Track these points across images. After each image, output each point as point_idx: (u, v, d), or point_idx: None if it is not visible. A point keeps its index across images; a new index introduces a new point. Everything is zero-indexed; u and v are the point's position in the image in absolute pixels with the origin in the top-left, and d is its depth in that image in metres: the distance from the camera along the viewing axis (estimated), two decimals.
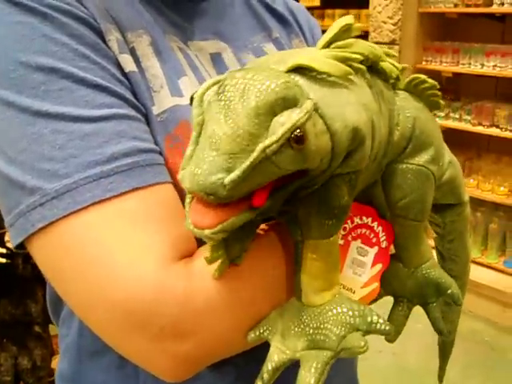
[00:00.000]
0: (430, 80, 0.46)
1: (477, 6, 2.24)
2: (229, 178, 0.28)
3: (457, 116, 2.43)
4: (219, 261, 0.37)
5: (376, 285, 0.44)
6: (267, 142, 0.29)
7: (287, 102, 0.30)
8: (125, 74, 0.45)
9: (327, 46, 0.37)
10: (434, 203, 0.50)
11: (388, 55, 0.43)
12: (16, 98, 0.39)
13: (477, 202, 2.42)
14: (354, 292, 0.43)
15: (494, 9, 2.19)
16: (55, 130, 0.39)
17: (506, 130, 2.26)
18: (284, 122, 0.30)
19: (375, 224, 0.44)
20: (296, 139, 0.29)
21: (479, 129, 2.33)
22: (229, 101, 0.30)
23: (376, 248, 0.44)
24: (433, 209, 0.50)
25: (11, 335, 1.50)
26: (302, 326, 0.35)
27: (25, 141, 0.39)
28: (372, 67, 0.41)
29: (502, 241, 2.40)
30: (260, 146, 0.29)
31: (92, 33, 0.43)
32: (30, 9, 0.41)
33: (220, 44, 0.55)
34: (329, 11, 3.04)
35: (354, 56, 0.36)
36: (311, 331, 0.35)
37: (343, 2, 2.94)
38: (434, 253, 0.58)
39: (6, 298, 1.49)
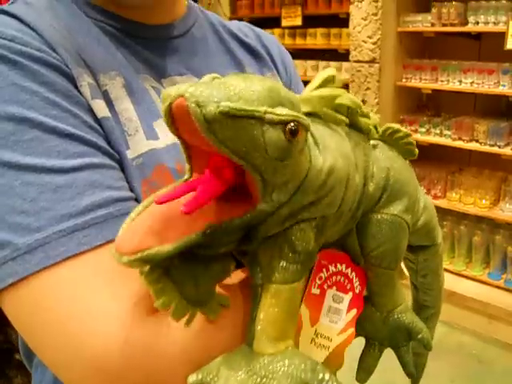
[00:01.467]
0: (403, 129, 0.48)
1: (452, 25, 2.29)
2: (225, 102, 0.28)
3: (437, 131, 2.47)
4: (176, 306, 0.33)
5: (352, 330, 0.45)
6: (271, 109, 0.30)
7: (293, 106, 0.32)
8: (97, 120, 0.44)
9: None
10: (409, 245, 0.52)
11: (367, 114, 0.45)
12: None
13: (460, 216, 2.46)
14: (331, 340, 0.44)
15: (469, 28, 2.25)
16: (26, 182, 0.38)
17: (486, 144, 2.30)
18: (288, 111, 0.31)
19: (349, 270, 0.45)
20: (291, 129, 0.30)
21: (459, 143, 2.37)
22: (247, 75, 0.32)
23: (350, 294, 0.45)
24: (407, 248, 0.52)
25: None
26: (249, 373, 0.33)
27: None
28: (350, 121, 0.43)
29: (485, 253, 2.43)
30: (263, 107, 0.30)
31: (63, 79, 0.43)
32: (0, 56, 0.41)
33: (194, 79, 0.56)
34: (311, 30, 3.08)
35: (342, 102, 0.39)
36: (258, 380, 0.33)
37: (324, 21, 2.99)
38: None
39: None
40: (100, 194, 0.40)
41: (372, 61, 2.38)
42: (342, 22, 2.77)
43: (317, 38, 3.09)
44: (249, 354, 0.34)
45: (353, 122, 0.43)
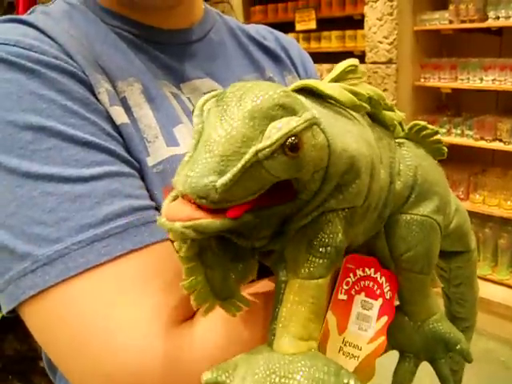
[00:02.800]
0: (430, 126, 0.45)
1: (472, 21, 2.24)
2: (220, 181, 0.27)
3: (459, 131, 2.41)
4: (200, 291, 0.33)
5: (383, 338, 0.41)
6: (260, 145, 0.28)
7: (285, 110, 0.30)
8: (116, 127, 0.44)
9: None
10: (441, 250, 0.48)
11: (391, 107, 0.42)
12: (4, 158, 0.38)
13: (484, 218, 2.39)
14: (360, 349, 0.40)
15: (490, 23, 2.20)
16: (45, 192, 0.37)
17: (510, 143, 2.24)
18: (281, 127, 0.29)
19: (378, 275, 0.42)
20: (291, 146, 0.28)
21: (482, 143, 2.31)
22: (226, 105, 0.30)
23: (380, 300, 0.42)
24: (439, 255, 0.48)
25: (16, 371, 1.48)
26: (267, 373, 0.31)
27: (14, 204, 0.38)
28: (373, 115, 0.41)
29: None
30: (252, 149, 0.28)
31: (81, 86, 0.43)
32: (18, 65, 0.41)
33: (213, 83, 0.55)
34: (325, 33, 3.06)
35: (360, 91, 0.36)
36: (277, 379, 0.30)
37: (339, 23, 2.96)
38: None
39: (11, 333, 1.47)
40: (119, 203, 0.39)
41: (389, 61, 2.34)
42: (356, 23, 2.74)
43: (331, 41, 3.06)
44: (268, 353, 0.32)
45: (376, 116, 0.41)
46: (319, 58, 3.14)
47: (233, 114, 0.29)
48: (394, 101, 2.39)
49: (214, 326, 0.37)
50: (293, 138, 0.28)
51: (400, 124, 0.44)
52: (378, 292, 0.42)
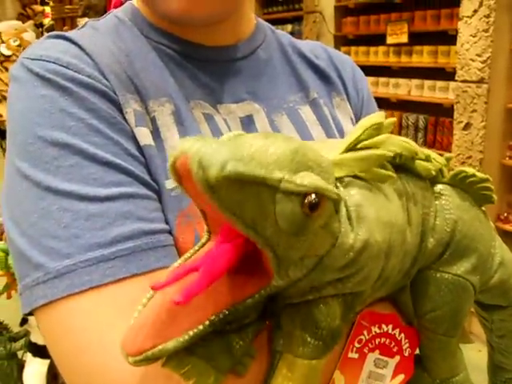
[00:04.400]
0: (479, 174, 0.42)
1: None
2: (233, 165, 0.24)
3: None
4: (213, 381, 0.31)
5: None
6: (289, 177, 0.26)
7: (323, 173, 0.29)
8: (139, 148, 0.45)
9: (354, 145, 0.34)
10: (481, 303, 0.46)
11: (427, 157, 0.40)
12: (31, 171, 0.41)
13: None
14: None
15: None
16: (62, 208, 0.39)
17: None
18: (316, 179, 0.27)
19: (397, 331, 0.41)
20: (310, 203, 0.26)
21: None
22: (272, 134, 0.29)
23: (397, 358, 0.41)
24: (480, 306, 0.46)
25: None
26: None
27: (35, 215, 0.40)
28: (405, 165, 0.38)
29: None
30: (279, 174, 0.26)
31: (110, 106, 0.44)
32: (53, 82, 0.43)
33: (253, 105, 0.54)
34: (417, 48, 2.96)
35: (386, 164, 0.34)
36: None
37: (432, 38, 2.85)
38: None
39: None
40: (130, 226, 0.40)
41: (480, 81, 2.22)
42: (450, 38, 2.62)
43: (423, 56, 2.95)
44: None
45: (409, 168, 0.39)
46: (409, 72, 3.05)
47: (277, 141, 0.28)
48: (482, 123, 2.25)
49: None
50: (317, 195, 0.26)
51: (440, 170, 0.41)
52: (396, 349, 0.41)
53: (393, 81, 3.14)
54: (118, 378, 0.36)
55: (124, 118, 0.45)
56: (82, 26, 0.53)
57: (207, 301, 0.28)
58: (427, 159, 0.40)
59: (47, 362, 1.59)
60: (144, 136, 0.45)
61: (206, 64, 0.52)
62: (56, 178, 0.40)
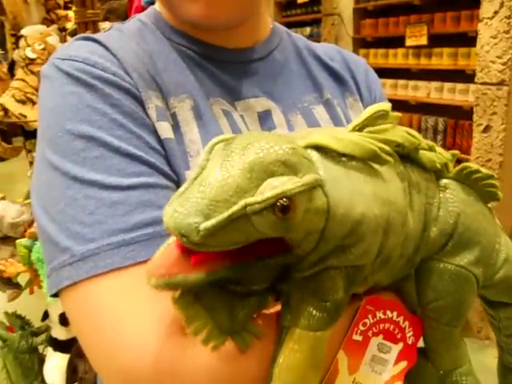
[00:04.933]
0: (484, 170, 0.43)
1: None
2: (204, 225, 0.28)
3: None
4: (208, 334, 0.34)
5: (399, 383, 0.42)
6: (251, 199, 0.28)
7: (287, 168, 0.30)
8: (160, 141, 0.47)
9: (358, 130, 0.36)
10: (487, 299, 0.46)
11: (431, 148, 0.41)
12: (60, 162, 0.44)
13: None
14: None
15: None
16: (87, 196, 0.43)
17: None
18: (276, 186, 0.29)
19: (401, 319, 0.43)
20: (281, 208, 0.28)
21: None
22: (231, 151, 0.30)
23: (401, 344, 0.42)
24: (487, 303, 0.47)
25: None
26: None
27: (63, 203, 0.43)
28: (410, 156, 0.40)
29: None
30: (242, 202, 0.28)
31: (133, 102, 0.47)
32: (81, 80, 0.47)
33: (269, 102, 0.56)
34: (437, 50, 2.94)
35: (384, 146, 0.35)
36: None
37: (452, 40, 2.83)
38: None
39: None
40: (150, 213, 0.42)
41: (500, 83, 2.19)
42: (470, 40, 2.59)
43: (443, 58, 2.93)
44: None
45: (413, 159, 0.40)
46: (428, 75, 3.03)
47: (234, 161, 0.30)
48: (502, 125, 2.23)
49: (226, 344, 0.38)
50: (284, 200, 0.28)
51: (446, 165, 0.42)
52: (399, 336, 0.42)
53: (412, 83, 3.12)
54: (136, 354, 0.38)
55: (146, 114, 0.48)
56: (108, 29, 0.56)
57: (232, 250, 0.31)
58: (432, 149, 0.41)
59: (67, 356, 1.62)
60: (165, 130, 0.48)
61: (224, 64, 0.55)
62: (82, 169, 0.43)
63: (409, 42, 3.08)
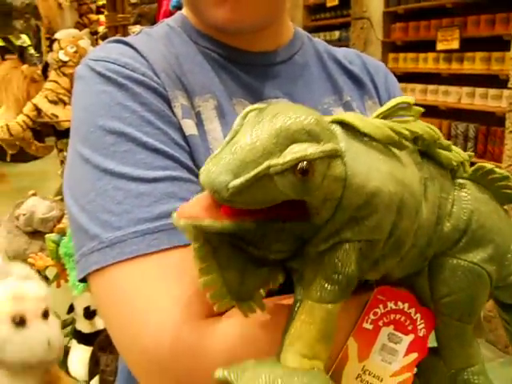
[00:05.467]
0: (499, 170, 0.43)
1: None
2: (232, 183, 0.31)
3: None
4: (216, 290, 0.35)
5: (409, 375, 0.41)
6: (274, 161, 0.31)
7: (311, 137, 0.32)
8: (185, 138, 0.50)
9: (382, 117, 0.38)
10: (502, 302, 0.46)
11: (448, 146, 0.42)
12: (92, 155, 0.47)
13: None
14: (381, 380, 0.41)
15: None
16: (116, 187, 0.45)
17: None
18: (298, 151, 0.31)
19: (412, 310, 0.42)
20: (301, 170, 0.31)
21: None
22: (262, 118, 0.33)
23: (412, 336, 0.42)
24: (501, 306, 0.46)
25: None
26: (267, 381, 0.33)
27: (93, 193, 0.46)
28: (427, 152, 0.41)
29: None
30: (266, 162, 0.31)
31: (160, 100, 0.50)
32: (113, 80, 0.49)
33: (288, 103, 0.57)
34: (469, 54, 2.89)
35: (403, 131, 0.37)
36: None
37: (485, 44, 2.78)
38: None
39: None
40: (173, 204, 0.44)
41: None
42: (505, 44, 2.54)
43: (475, 63, 2.87)
44: (274, 364, 0.35)
45: (431, 154, 0.41)
46: (460, 80, 2.97)
47: (263, 127, 0.33)
48: None
49: (237, 325, 0.40)
50: (305, 163, 0.31)
51: (462, 164, 0.43)
52: (410, 327, 0.42)
53: (442, 88, 3.07)
54: (156, 336, 0.40)
55: (172, 112, 0.50)
56: (138, 33, 0.59)
57: (258, 209, 0.33)
58: (448, 148, 0.42)
59: (90, 349, 1.66)
60: (189, 127, 0.50)
61: (248, 67, 0.58)
62: (112, 162, 0.46)
63: (440, 46, 3.04)
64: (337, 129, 0.36)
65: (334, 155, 0.33)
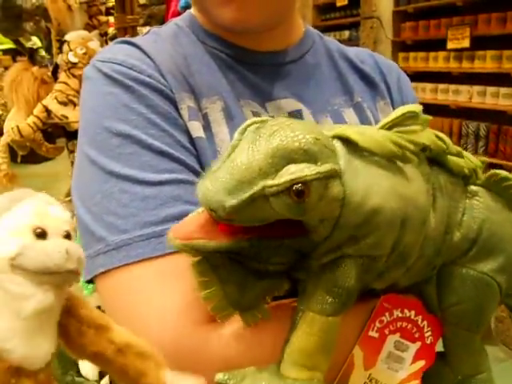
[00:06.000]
0: None
1: None
2: (229, 203, 0.31)
3: None
4: (216, 303, 0.36)
5: (416, 382, 0.41)
6: (269, 182, 0.31)
7: (308, 157, 0.32)
8: (192, 140, 0.50)
9: (387, 128, 0.37)
10: None
11: (459, 153, 0.41)
12: (98, 157, 0.47)
13: None
14: None
15: None
16: (122, 190, 0.45)
17: None
18: (293, 172, 0.31)
19: (419, 318, 0.42)
20: (296, 192, 0.31)
21: None
22: (260, 135, 0.33)
23: (418, 343, 0.42)
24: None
25: None
26: None
27: (99, 195, 0.46)
28: (437, 159, 0.40)
29: None
30: (261, 183, 0.31)
31: (166, 102, 0.50)
32: (119, 82, 0.50)
33: (299, 104, 0.57)
34: (480, 53, 2.86)
35: (407, 144, 0.36)
36: None
37: (496, 42, 2.75)
38: None
39: None
40: (179, 207, 0.45)
41: None
42: None
43: (486, 61, 2.85)
44: (274, 372, 0.35)
45: (441, 162, 0.40)
46: (471, 79, 2.95)
47: (260, 145, 0.32)
48: None
49: (239, 330, 0.40)
50: (299, 185, 0.30)
51: (474, 171, 0.42)
52: (417, 335, 0.41)
53: (453, 87, 3.05)
54: (158, 335, 0.41)
55: (179, 114, 0.50)
56: (146, 33, 0.59)
57: (252, 227, 0.33)
58: (459, 155, 0.41)
59: None
60: (196, 129, 0.50)
61: (256, 67, 0.57)
62: (118, 164, 0.46)
63: (450, 45, 3.01)
64: (337, 145, 0.35)
65: (331, 176, 0.32)
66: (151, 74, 0.50)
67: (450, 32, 3.00)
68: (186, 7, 1.71)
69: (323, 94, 0.59)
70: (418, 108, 0.37)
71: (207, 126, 0.51)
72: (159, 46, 0.55)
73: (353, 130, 0.35)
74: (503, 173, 0.42)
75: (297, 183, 0.30)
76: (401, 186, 0.36)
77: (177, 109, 0.50)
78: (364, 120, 0.59)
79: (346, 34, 3.81)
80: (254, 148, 0.32)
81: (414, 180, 0.37)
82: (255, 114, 0.54)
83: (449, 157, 0.40)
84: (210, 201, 0.32)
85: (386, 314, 0.41)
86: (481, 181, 0.42)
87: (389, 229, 0.35)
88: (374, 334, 0.41)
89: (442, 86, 3.11)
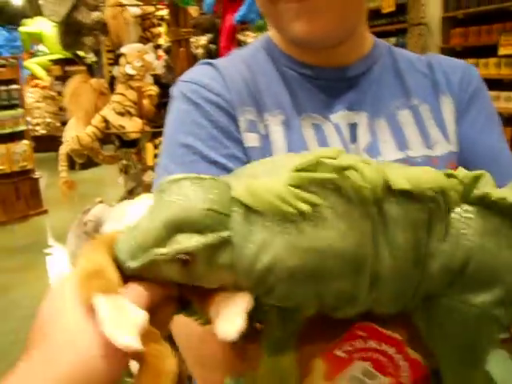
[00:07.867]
0: (509, 197, 0.37)
1: None
2: (132, 265, 0.35)
3: None
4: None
5: None
6: (158, 251, 0.34)
7: (196, 227, 0.34)
8: (244, 150, 0.57)
9: (299, 170, 0.36)
10: None
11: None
12: (168, 164, 0.57)
13: None
14: None
15: None
16: None
17: None
18: (180, 241, 0.34)
19: (399, 357, 0.40)
20: (182, 261, 0.34)
21: None
22: (161, 200, 0.36)
23: (391, 379, 0.39)
24: None
25: None
26: None
27: None
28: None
29: None
30: (153, 252, 0.34)
31: (226, 118, 0.57)
32: (190, 100, 0.58)
33: (359, 114, 0.60)
34: None
35: (306, 199, 0.35)
36: None
37: None
38: None
39: None
40: None
41: None
42: None
43: None
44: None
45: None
46: None
47: (160, 212, 0.35)
48: None
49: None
50: (183, 255, 0.34)
51: (468, 188, 0.37)
52: (392, 371, 0.40)
53: (504, 94, 2.98)
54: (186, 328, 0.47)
55: (237, 126, 0.57)
56: (230, 54, 0.68)
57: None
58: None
59: None
60: (250, 140, 0.57)
61: (322, 82, 0.61)
62: (179, 169, 0.54)
63: (502, 51, 2.94)
64: (235, 208, 0.35)
65: (218, 245, 0.34)
66: (219, 92, 0.58)
67: (503, 37, 2.93)
68: (242, 21, 1.79)
69: (382, 97, 0.62)
70: (334, 151, 0.36)
71: (266, 136, 0.58)
72: (234, 65, 0.62)
73: (244, 190, 0.36)
74: (496, 194, 0.37)
75: (182, 253, 0.34)
76: (306, 240, 0.35)
77: (236, 122, 0.57)
78: (419, 120, 0.61)
79: (393, 40, 3.76)
80: (154, 214, 0.35)
81: (336, 227, 0.35)
82: (314, 126, 0.59)
83: (352, 181, 0.36)
84: (119, 258, 0.35)
85: (360, 340, 0.41)
86: (473, 199, 0.37)
87: (295, 282, 0.36)
88: (340, 353, 0.41)
89: (493, 94, 3.03)
